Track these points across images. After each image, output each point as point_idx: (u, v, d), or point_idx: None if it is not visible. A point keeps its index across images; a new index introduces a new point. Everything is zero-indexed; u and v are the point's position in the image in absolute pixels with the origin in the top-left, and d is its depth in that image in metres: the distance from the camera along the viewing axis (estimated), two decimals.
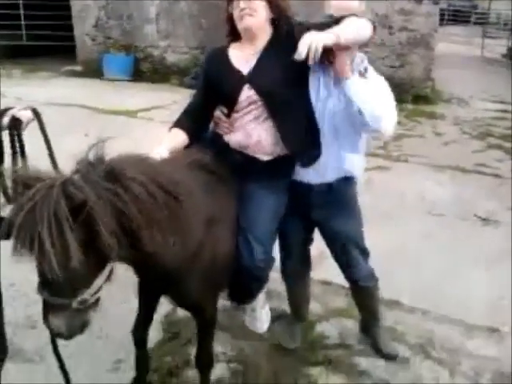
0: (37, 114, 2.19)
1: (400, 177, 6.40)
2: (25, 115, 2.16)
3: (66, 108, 8.66)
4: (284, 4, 2.52)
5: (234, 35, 2.58)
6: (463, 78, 13.36)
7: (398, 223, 4.96)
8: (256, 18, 2.43)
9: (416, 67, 10.44)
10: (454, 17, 26.83)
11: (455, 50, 19.33)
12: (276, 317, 3.47)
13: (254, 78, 2.48)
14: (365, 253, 3.03)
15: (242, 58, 2.53)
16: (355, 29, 2.37)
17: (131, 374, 2.87)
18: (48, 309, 1.85)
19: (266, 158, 2.57)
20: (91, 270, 1.82)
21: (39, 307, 1.88)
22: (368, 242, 4.17)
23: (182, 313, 3.46)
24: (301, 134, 2.56)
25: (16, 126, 2.12)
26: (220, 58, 2.58)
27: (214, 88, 2.57)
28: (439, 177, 6.44)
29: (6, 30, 11.95)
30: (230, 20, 2.52)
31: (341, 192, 2.80)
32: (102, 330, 3.22)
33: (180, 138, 2.52)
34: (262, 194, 2.60)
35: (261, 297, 3.06)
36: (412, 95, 10.39)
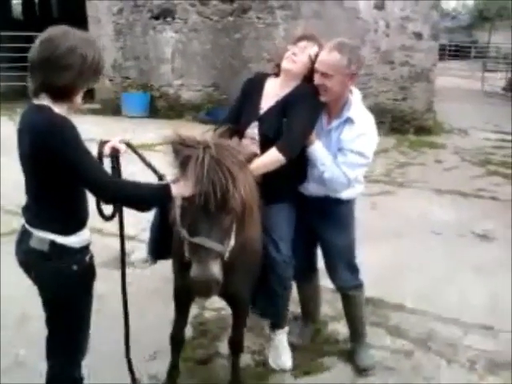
0: (129, 145, 2.65)
1: (404, 200, 6.87)
2: (121, 146, 2.61)
3: (87, 143, 9.18)
4: None
5: (279, 70, 3.04)
6: (464, 110, 13.94)
7: (403, 240, 5.43)
8: (295, 66, 2.94)
9: (418, 100, 11.01)
10: (455, 52, 27.66)
11: (456, 83, 19.98)
12: (292, 318, 3.90)
13: (262, 120, 2.98)
14: (353, 269, 3.36)
15: (273, 91, 3.01)
16: (263, 164, 2.75)
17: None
18: (203, 257, 2.20)
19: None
20: (232, 222, 2.36)
21: None
22: (376, 256, 4.66)
23: (208, 314, 3.93)
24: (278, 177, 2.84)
25: (116, 154, 2.59)
26: (257, 85, 3.09)
27: (241, 106, 3.08)
28: (440, 200, 6.90)
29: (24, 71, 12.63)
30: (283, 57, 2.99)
31: (330, 207, 3.18)
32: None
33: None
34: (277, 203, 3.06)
35: (284, 337, 3.43)
36: (414, 127, 10.95)
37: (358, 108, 3.01)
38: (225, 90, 11.68)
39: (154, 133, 10.25)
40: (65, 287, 2.29)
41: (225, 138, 2.54)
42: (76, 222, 2.32)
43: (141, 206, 2.30)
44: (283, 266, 3.06)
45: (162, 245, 3.16)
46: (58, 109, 2.18)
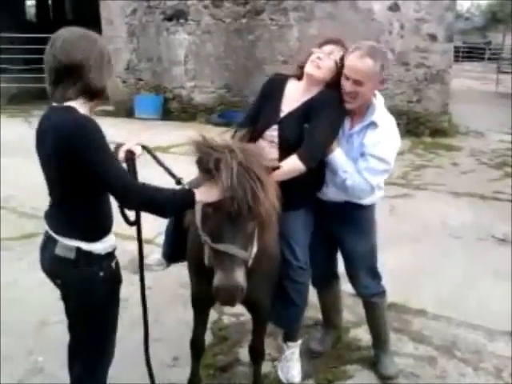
0: (145, 148, 2.55)
1: (422, 203, 6.78)
2: (137, 149, 2.50)
3: None
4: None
5: (301, 72, 2.94)
6: (479, 112, 13.81)
7: (422, 244, 5.35)
8: (320, 71, 2.83)
9: (433, 102, 10.89)
10: (469, 53, 27.48)
11: (471, 85, 19.85)
12: (313, 325, 3.83)
13: (283, 124, 2.88)
14: (375, 275, 3.29)
15: (294, 95, 2.92)
16: (283, 172, 2.55)
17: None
18: (228, 264, 2.11)
19: None
20: (255, 227, 2.30)
21: None
22: (396, 260, 4.58)
23: (227, 320, 3.87)
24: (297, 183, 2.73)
25: (132, 157, 2.47)
26: (278, 86, 2.99)
27: (260, 107, 2.99)
28: (458, 203, 6.80)
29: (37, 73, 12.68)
30: (308, 59, 2.89)
31: (351, 213, 3.09)
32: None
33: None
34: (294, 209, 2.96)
35: (296, 351, 3.35)
36: (429, 129, 10.84)
37: (381, 112, 2.92)
38: (238, 92, 11.65)
39: (167, 135, 10.29)
40: (92, 294, 2.25)
41: (244, 141, 2.46)
42: (101, 228, 2.28)
43: (163, 211, 2.22)
44: (300, 272, 2.99)
45: (176, 248, 3.12)
46: (83, 110, 2.14)
